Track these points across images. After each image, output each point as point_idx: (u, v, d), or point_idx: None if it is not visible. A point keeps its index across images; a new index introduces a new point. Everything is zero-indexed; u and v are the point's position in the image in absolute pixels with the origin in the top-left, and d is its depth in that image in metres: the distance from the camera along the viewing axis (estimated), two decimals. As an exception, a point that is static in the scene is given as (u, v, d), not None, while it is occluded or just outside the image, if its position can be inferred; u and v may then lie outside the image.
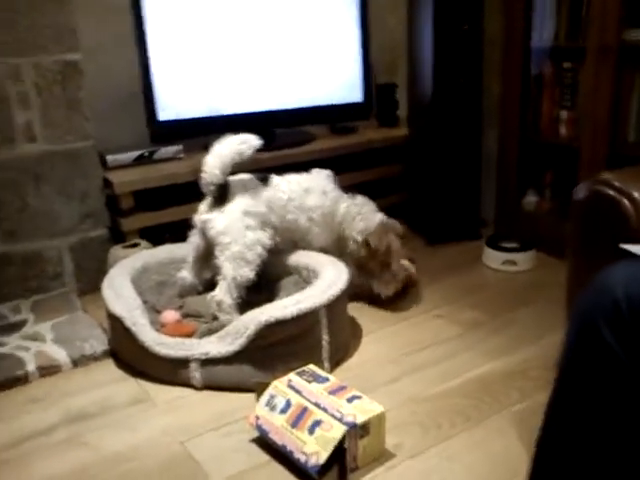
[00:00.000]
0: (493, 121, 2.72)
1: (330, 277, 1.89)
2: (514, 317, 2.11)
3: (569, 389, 0.96)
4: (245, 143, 1.93)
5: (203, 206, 1.97)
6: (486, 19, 2.58)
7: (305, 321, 1.74)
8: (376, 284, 2.18)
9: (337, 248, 2.18)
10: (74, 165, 2.30)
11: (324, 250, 2.11)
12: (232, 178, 1.98)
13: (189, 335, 1.86)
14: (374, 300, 2.21)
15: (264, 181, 2.05)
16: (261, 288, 2.05)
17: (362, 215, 2.17)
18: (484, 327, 2.06)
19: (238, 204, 1.93)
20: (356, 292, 2.13)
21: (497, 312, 2.14)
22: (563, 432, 0.96)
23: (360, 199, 2.21)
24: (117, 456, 1.52)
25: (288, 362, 1.69)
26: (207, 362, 1.74)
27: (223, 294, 1.87)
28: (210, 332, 1.83)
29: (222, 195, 1.94)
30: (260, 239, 1.93)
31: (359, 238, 2.14)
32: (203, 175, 1.92)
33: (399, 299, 2.23)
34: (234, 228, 1.90)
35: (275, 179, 2.07)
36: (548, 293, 2.23)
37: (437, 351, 1.93)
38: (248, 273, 1.90)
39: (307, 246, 2.13)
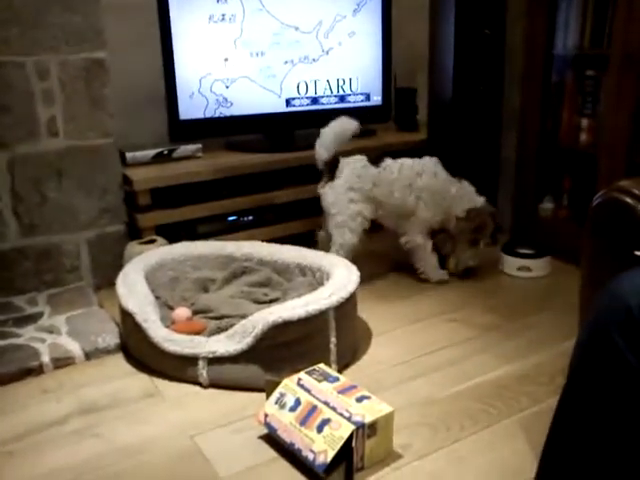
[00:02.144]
0: (512, 127, 2.71)
1: (340, 279, 1.89)
2: (527, 322, 2.10)
3: (578, 394, 0.96)
4: (344, 124, 2.25)
5: (321, 182, 2.30)
6: (508, 25, 2.57)
7: (313, 323, 1.74)
8: (461, 255, 2.42)
9: (440, 224, 2.40)
10: (95, 161, 2.33)
11: (427, 223, 2.36)
12: (344, 158, 2.29)
13: (199, 333, 1.86)
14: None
15: (376, 162, 2.32)
16: (273, 287, 2.08)
17: (468, 196, 2.38)
18: (497, 331, 2.05)
19: (344, 180, 2.26)
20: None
21: (511, 317, 2.14)
22: (569, 436, 0.95)
23: (466, 183, 2.40)
24: (129, 448, 1.53)
25: (295, 363, 1.68)
26: (214, 360, 1.74)
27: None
28: (219, 330, 1.84)
29: (332, 171, 2.27)
30: (361, 211, 2.27)
31: (463, 214, 2.35)
32: (315, 155, 2.27)
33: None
34: (340, 201, 2.25)
35: (387, 161, 2.34)
36: (562, 299, 2.22)
37: (449, 354, 1.92)
38: (351, 239, 2.25)
39: (412, 219, 2.34)
